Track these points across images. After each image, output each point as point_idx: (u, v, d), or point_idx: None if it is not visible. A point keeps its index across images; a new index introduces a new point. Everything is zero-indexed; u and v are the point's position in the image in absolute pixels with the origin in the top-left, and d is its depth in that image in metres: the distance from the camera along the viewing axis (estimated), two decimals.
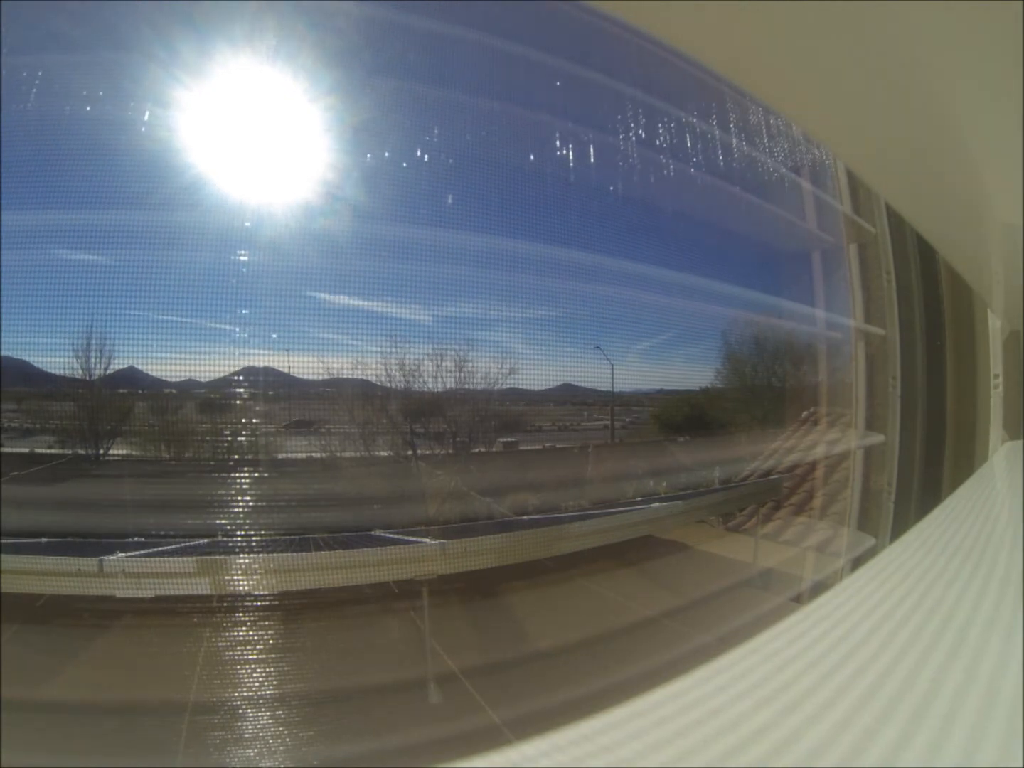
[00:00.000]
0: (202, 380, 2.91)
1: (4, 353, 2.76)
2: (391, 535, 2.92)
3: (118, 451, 3.36)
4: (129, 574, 2.04)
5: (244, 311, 2.76)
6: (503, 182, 3.23)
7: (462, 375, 3.74)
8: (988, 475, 1.76)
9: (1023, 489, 1.38)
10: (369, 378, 3.49)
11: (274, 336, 2.71)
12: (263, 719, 1.99)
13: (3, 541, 2.31)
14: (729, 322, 4.51)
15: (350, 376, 3.40)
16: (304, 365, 3.04)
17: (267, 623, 2.24)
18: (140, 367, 3.11)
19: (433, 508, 3.48)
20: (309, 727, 1.99)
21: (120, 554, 2.14)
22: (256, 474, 2.68)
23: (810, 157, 3.60)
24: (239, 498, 2.72)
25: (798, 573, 3.10)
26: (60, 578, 2.08)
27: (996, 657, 0.47)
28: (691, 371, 4.47)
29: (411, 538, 2.69)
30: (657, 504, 3.32)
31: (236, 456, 3.27)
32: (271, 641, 2.25)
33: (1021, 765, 0.33)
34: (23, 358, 2.87)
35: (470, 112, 3.21)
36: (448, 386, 3.79)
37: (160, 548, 2.45)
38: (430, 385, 3.74)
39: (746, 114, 3.47)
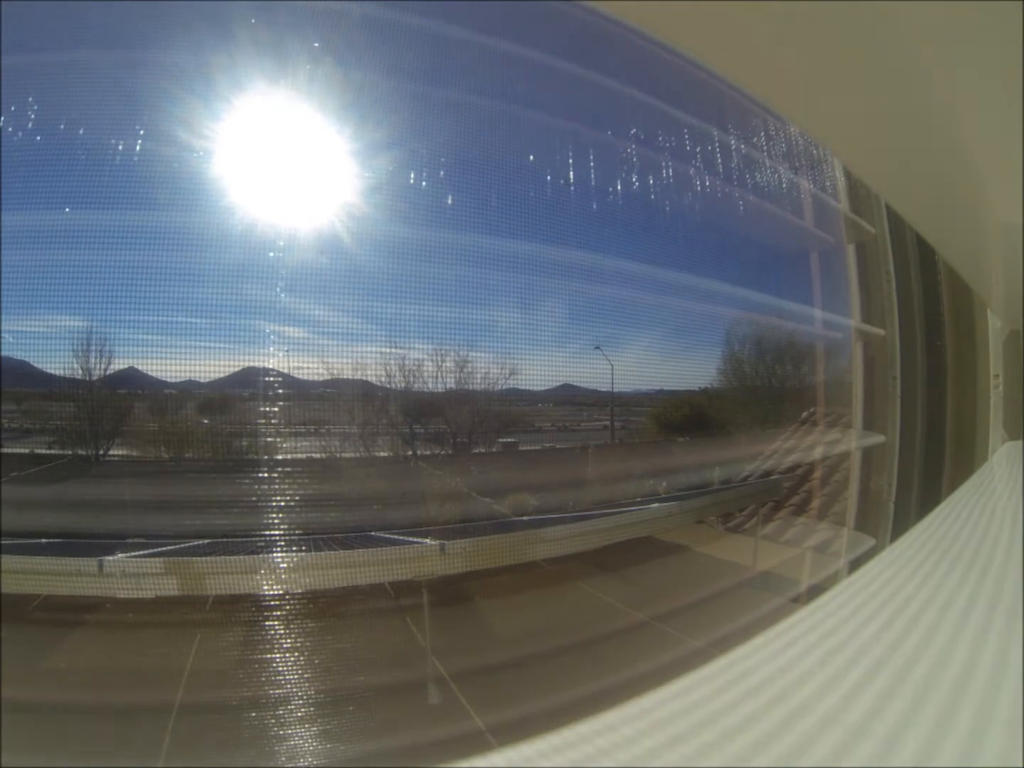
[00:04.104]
0: (202, 380, 2.91)
1: (4, 353, 2.76)
2: (391, 535, 2.92)
3: (118, 451, 3.36)
4: (129, 574, 2.04)
5: (244, 311, 2.76)
6: (503, 183, 3.23)
7: (462, 375, 3.74)
8: (988, 475, 1.76)
9: (1023, 489, 1.38)
10: (369, 379, 3.49)
11: (274, 336, 2.71)
12: (263, 719, 1.99)
13: (3, 541, 2.30)
14: (729, 322, 4.51)
15: (350, 377, 3.40)
16: (305, 366, 3.05)
17: (266, 623, 2.24)
18: (140, 367, 3.11)
19: (433, 508, 3.48)
20: (308, 727, 1.99)
21: (120, 554, 2.13)
22: (255, 475, 2.68)
23: (810, 157, 3.60)
24: (238, 499, 2.72)
25: (798, 574, 3.10)
26: (60, 578, 2.07)
27: (996, 657, 0.47)
28: (691, 371, 4.47)
29: (411, 538, 2.69)
30: (657, 504, 3.31)
31: (235, 457, 3.27)
32: (270, 641, 2.25)
33: (1021, 765, 0.33)
34: (23, 358, 2.87)
35: (467, 113, 3.21)
36: (448, 386, 3.79)
37: (160, 548, 2.44)
38: (430, 386, 3.74)
39: (746, 114, 3.47)
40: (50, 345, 2.80)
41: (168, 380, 3.03)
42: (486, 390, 3.80)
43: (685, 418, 4.68)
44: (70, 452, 3.29)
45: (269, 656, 2.20)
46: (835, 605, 0.59)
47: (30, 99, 2.54)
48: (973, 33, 0.55)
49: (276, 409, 2.67)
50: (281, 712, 2.02)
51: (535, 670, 2.36)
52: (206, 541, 2.66)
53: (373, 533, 3.00)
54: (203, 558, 2.18)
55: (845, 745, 0.35)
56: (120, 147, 2.57)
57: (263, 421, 2.79)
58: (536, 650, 2.51)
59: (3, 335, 2.65)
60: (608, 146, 3.56)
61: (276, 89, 2.58)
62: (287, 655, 2.21)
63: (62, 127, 2.61)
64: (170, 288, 2.74)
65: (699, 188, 3.67)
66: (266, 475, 2.61)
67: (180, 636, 2.36)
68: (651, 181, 3.59)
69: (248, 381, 2.91)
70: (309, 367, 3.07)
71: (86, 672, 2.23)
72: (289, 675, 2.15)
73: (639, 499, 3.77)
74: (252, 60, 2.51)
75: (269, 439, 2.75)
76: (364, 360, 3.35)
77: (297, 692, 2.09)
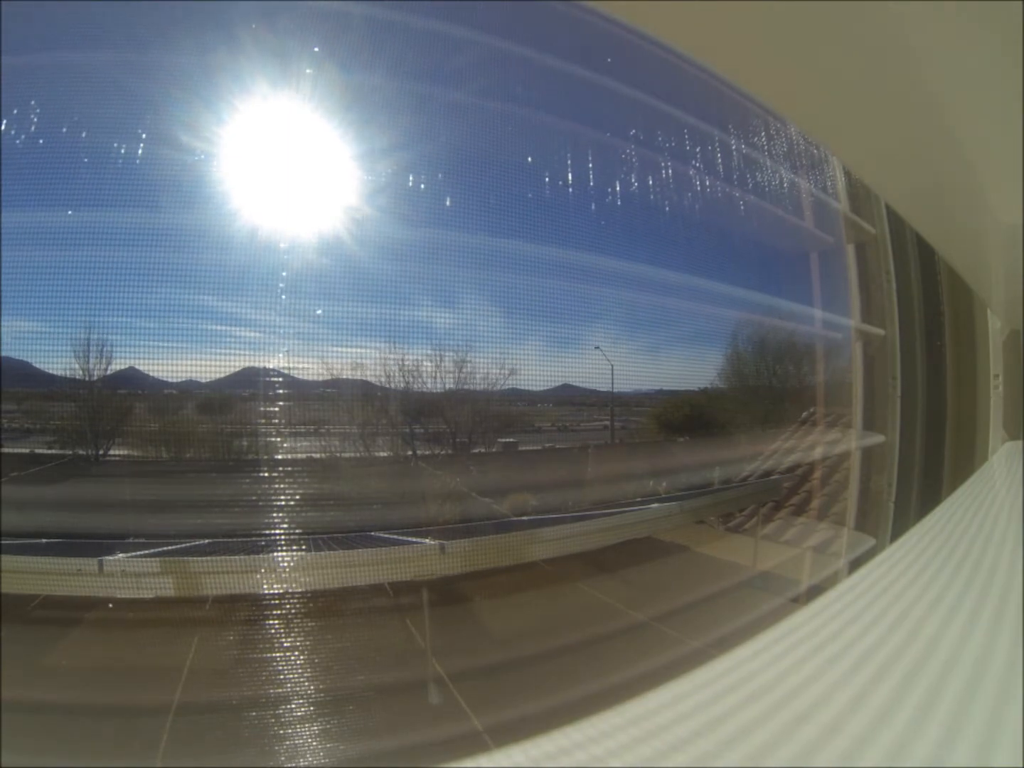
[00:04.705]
0: (202, 380, 2.91)
1: (4, 353, 2.76)
2: (391, 535, 2.92)
3: (118, 452, 3.36)
4: (129, 574, 2.04)
5: (244, 311, 2.77)
6: (503, 183, 3.23)
7: (462, 375, 3.74)
8: (988, 475, 1.76)
9: (1023, 489, 1.38)
10: (368, 379, 3.49)
11: (274, 337, 2.71)
12: (262, 719, 1.99)
13: (3, 541, 2.30)
14: (729, 323, 4.51)
15: (350, 377, 3.40)
16: (305, 366, 3.05)
17: (266, 623, 2.24)
18: (140, 367, 3.12)
19: (433, 509, 3.48)
20: (307, 727, 1.99)
21: (120, 554, 2.14)
22: (255, 474, 2.68)
23: (810, 157, 3.60)
24: (238, 498, 2.72)
25: (798, 574, 3.10)
26: (60, 578, 2.07)
27: (997, 658, 0.47)
28: (691, 371, 4.48)
29: (411, 538, 2.69)
30: (657, 505, 3.31)
31: (235, 457, 3.27)
32: (270, 641, 2.25)
33: (1021, 766, 0.33)
34: (23, 358, 2.87)
35: (467, 114, 3.21)
36: (448, 386, 3.79)
37: (160, 548, 2.44)
38: (430, 386, 3.74)
39: (746, 115, 3.47)
40: (50, 345, 2.81)
41: (168, 380, 3.03)
42: (486, 390, 3.80)
43: (685, 418, 4.68)
44: (70, 452, 3.29)
45: (269, 656, 2.20)
46: (835, 605, 0.59)
47: (31, 101, 2.54)
48: (973, 33, 0.55)
49: (276, 409, 2.67)
50: (280, 712, 2.02)
51: (534, 671, 2.36)
52: (206, 541, 2.66)
53: (373, 533, 3.00)
54: (203, 558, 2.18)
55: (845, 746, 0.35)
56: (122, 149, 2.57)
57: (263, 421, 2.79)
58: (535, 651, 2.51)
59: (3, 335, 2.65)
60: (608, 146, 3.56)
61: (277, 90, 2.58)
62: (287, 655, 2.21)
63: (64, 129, 2.61)
64: (170, 289, 2.74)
65: (699, 188, 3.68)
66: (266, 475, 2.61)
67: (180, 636, 2.36)
68: (651, 181, 3.59)
69: (248, 381, 2.91)
70: (309, 367, 3.07)
71: (86, 672, 2.23)
72: (289, 675, 2.15)
73: (639, 499, 3.76)
74: (253, 61, 2.51)
75: (269, 439, 2.75)
76: (364, 360, 3.35)
77: (297, 692, 2.09)
